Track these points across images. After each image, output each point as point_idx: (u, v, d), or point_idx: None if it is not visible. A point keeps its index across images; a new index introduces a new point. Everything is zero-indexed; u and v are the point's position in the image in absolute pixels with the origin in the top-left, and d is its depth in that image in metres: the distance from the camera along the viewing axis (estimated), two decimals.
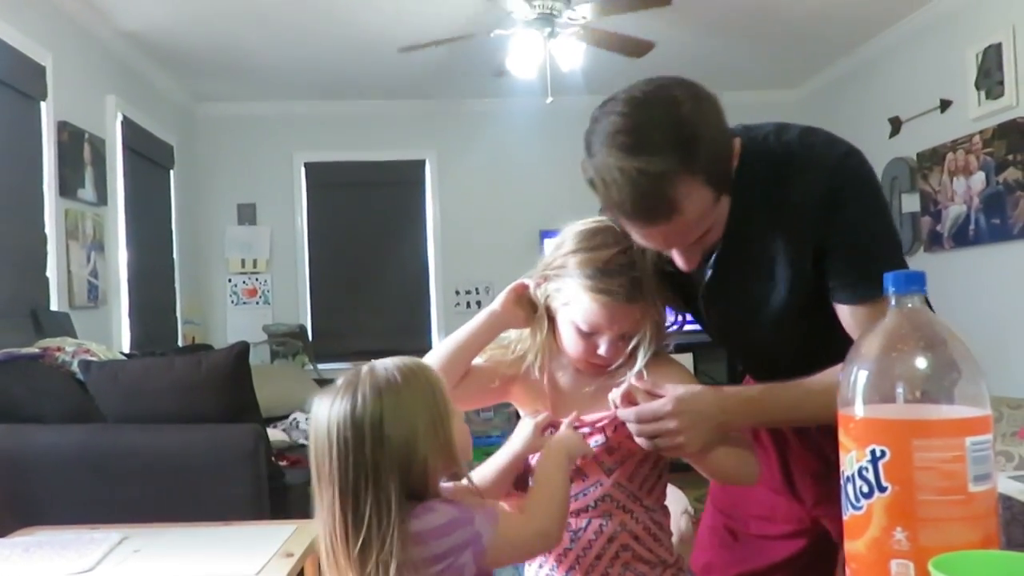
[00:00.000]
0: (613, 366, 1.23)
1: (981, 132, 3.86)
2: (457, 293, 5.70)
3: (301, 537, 1.91)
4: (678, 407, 1.10)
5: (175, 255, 5.08)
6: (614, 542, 1.19)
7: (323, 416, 1.01)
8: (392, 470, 0.97)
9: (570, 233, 1.25)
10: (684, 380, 1.24)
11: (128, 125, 4.36)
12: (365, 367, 1.05)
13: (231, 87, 5.30)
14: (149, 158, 4.70)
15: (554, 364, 1.28)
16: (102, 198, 3.96)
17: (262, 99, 5.54)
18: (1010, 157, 3.67)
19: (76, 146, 3.70)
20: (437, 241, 5.75)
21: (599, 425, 1.20)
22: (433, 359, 1.23)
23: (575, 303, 1.19)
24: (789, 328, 1.25)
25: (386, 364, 1.05)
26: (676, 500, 3.12)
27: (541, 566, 1.23)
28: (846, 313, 1.17)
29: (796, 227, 1.17)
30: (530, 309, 1.27)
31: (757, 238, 1.20)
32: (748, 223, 1.18)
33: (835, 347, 1.16)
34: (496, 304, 1.28)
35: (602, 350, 1.20)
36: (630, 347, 1.22)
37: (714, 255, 1.22)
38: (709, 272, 1.24)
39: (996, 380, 3.56)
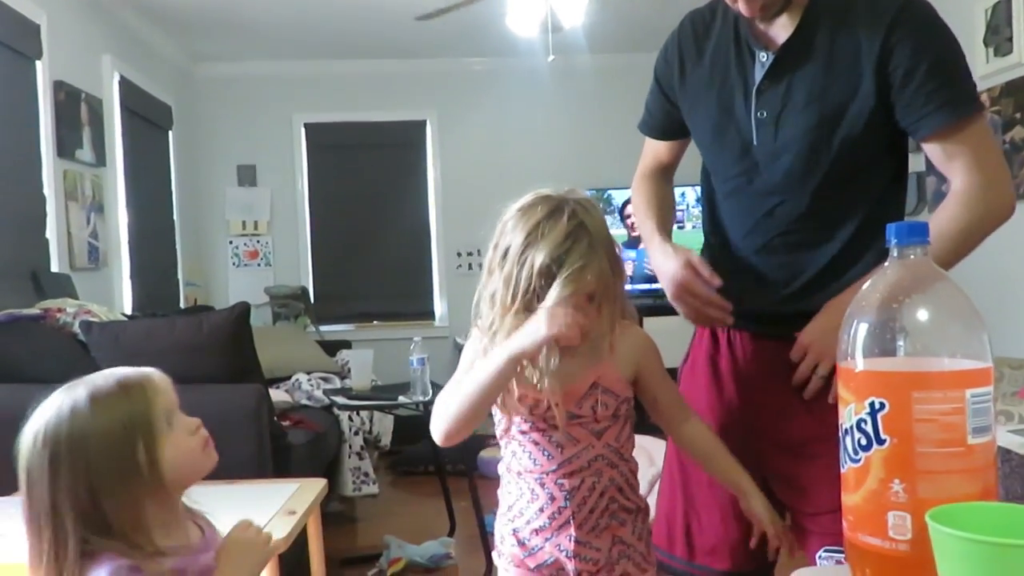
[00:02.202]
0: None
1: (989, 90, 3.80)
2: (459, 255, 5.68)
3: (304, 495, 1.93)
4: (807, 341, 1.21)
5: (175, 217, 5.06)
6: (604, 496, 1.24)
7: (27, 432, 0.95)
8: (69, 505, 0.89)
9: (509, 223, 1.21)
10: (643, 340, 1.30)
11: (125, 85, 4.32)
12: (74, 384, 0.98)
13: (229, 47, 5.23)
14: (147, 119, 4.66)
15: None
16: (100, 159, 3.93)
17: (261, 59, 5.47)
18: (1017, 115, 3.63)
19: (73, 106, 3.67)
20: (438, 202, 5.72)
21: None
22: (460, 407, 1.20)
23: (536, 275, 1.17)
24: (859, 150, 1.25)
25: (90, 381, 0.98)
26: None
27: (530, 522, 1.24)
28: (939, 147, 1.22)
29: (868, 35, 1.21)
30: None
31: (829, 34, 1.24)
32: (816, 22, 1.24)
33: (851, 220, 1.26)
34: (507, 355, 1.16)
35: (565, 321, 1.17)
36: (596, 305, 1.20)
37: (782, 43, 1.26)
38: (768, 62, 1.28)
39: (998, 340, 3.55)
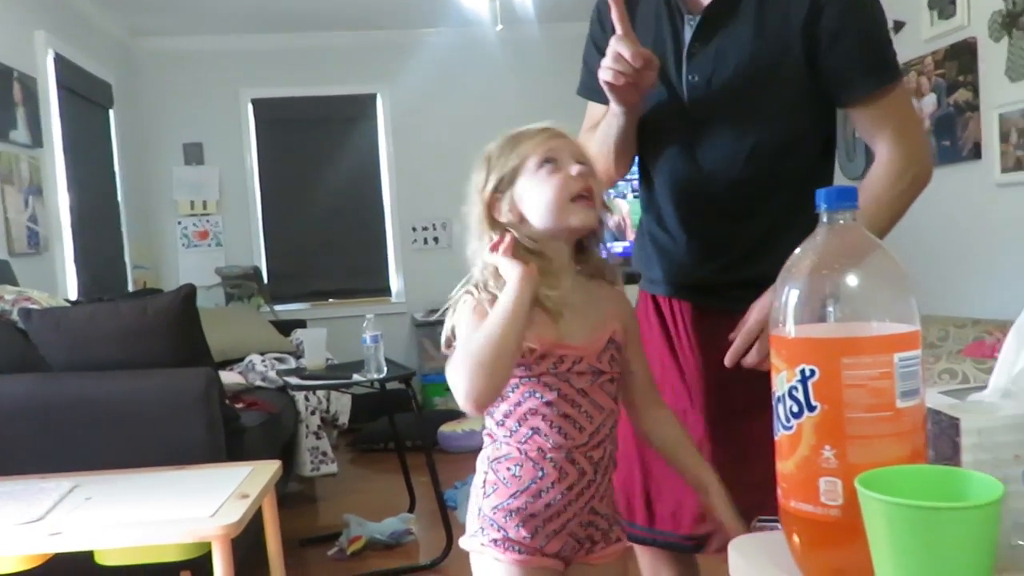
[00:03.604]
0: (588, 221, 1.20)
1: (933, 53, 3.85)
2: (414, 230, 5.64)
3: (257, 478, 1.90)
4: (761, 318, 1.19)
5: (120, 198, 4.92)
6: (612, 458, 1.25)
7: None
8: None
9: (493, 147, 1.25)
10: (628, 303, 1.29)
11: (61, 62, 4.17)
12: None
13: (171, 21, 5.08)
14: (86, 97, 4.51)
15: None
16: (37, 140, 3.80)
17: (204, 33, 5.32)
18: (960, 78, 3.68)
19: (5, 85, 3.53)
20: (392, 177, 5.65)
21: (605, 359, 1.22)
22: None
23: (530, 160, 1.19)
24: (790, 115, 1.27)
25: None
26: None
27: (551, 504, 1.19)
28: (866, 113, 1.25)
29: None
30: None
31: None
32: None
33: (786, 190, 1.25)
34: (513, 282, 1.13)
35: (574, 170, 1.18)
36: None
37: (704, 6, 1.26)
38: (694, 23, 1.27)
39: (943, 300, 3.64)
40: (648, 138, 1.40)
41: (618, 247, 5.62)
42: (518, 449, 1.19)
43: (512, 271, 1.14)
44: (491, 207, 1.22)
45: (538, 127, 1.23)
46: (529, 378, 1.17)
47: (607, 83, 1.24)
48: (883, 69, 1.26)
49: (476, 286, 1.20)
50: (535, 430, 1.18)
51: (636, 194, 5.69)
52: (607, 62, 1.22)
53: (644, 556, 1.54)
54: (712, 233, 1.34)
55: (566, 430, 1.18)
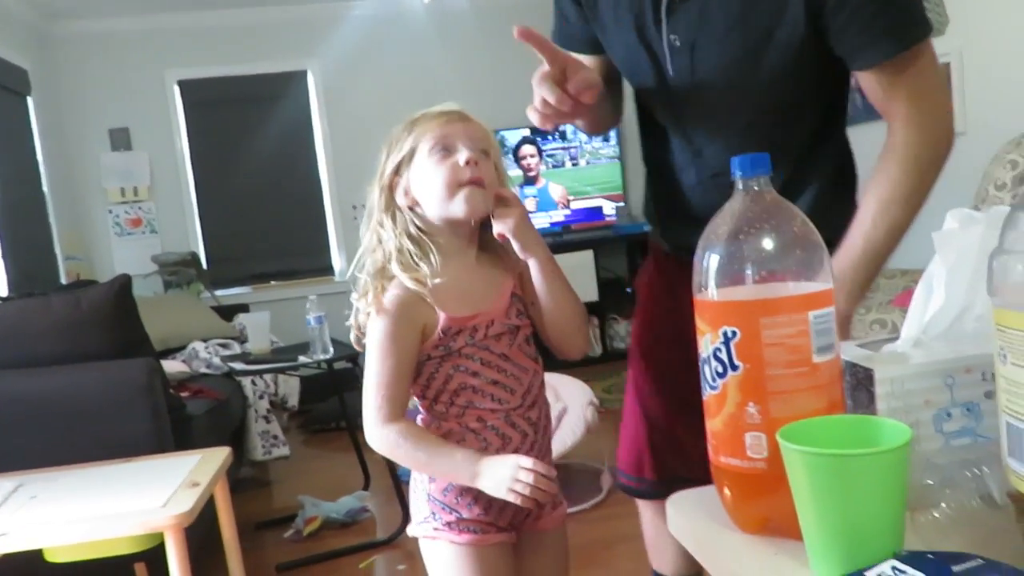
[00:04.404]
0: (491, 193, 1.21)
1: None
2: (353, 207, 5.58)
3: (206, 466, 1.89)
4: None
5: (45, 188, 4.76)
6: (548, 417, 1.28)
7: None
8: None
9: (396, 130, 1.25)
10: (509, 251, 1.27)
11: None
12: None
13: (87, 2, 4.89)
14: (0, 85, 4.34)
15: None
16: None
17: (124, 14, 5.14)
18: None
19: None
20: (328, 155, 5.57)
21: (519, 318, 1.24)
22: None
23: (421, 139, 1.19)
24: (789, 84, 1.11)
25: None
26: (581, 392, 3.24)
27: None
28: (876, 80, 1.06)
29: None
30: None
31: None
32: None
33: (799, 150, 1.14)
34: (466, 473, 1.17)
35: (463, 158, 1.17)
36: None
37: None
38: None
39: None
40: (638, 99, 1.31)
41: (559, 215, 5.67)
42: (457, 424, 1.21)
43: (494, 475, 1.14)
44: (391, 189, 1.23)
45: (438, 110, 1.22)
46: (449, 355, 1.20)
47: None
48: (901, 31, 1.05)
49: (378, 276, 1.21)
50: (469, 403, 1.20)
51: (588, 161, 5.72)
52: (535, 104, 1.11)
53: (647, 511, 1.52)
54: (712, 203, 1.27)
55: (499, 396, 1.20)
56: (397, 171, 1.22)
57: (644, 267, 1.52)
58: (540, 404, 1.26)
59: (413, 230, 1.21)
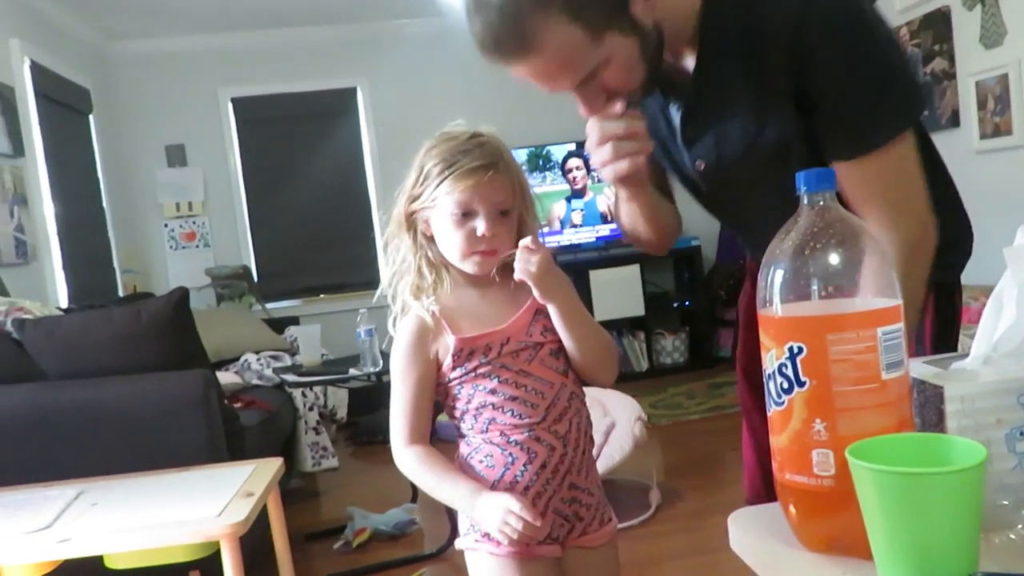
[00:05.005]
0: (504, 255, 1.24)
1: (908, 23, 3.88)
2: None
3: (261, 475, 1.92)
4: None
5: (105, 203, 4.91)
6: (586, 435, 1.29)
7: None
8: None
9: (428, 160, 1.26)
10: None
11: (38, 70, 4.14)
12: None
13: (145, 23, 5.05)
14: (65, 104, 4.49)
15: (450, 298, 1.27)
16: (18, 149, 3.79)
17: (179, 34, 5.29)
18: (936, 47, 3.71)
19: None
20: (376, 170, 5.65)
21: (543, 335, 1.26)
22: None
23: (443, 195, 1.21)
24: (779, 171, 1.08)
25: None
26: (629, 408, 3.21)
27: (529, 487, 1.23)
28: (846, 178, 1.04)
29: (771, 63, 1.07)
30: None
31: (730, 71, 1.11)
32: (721, 58, 1.12)
33: None
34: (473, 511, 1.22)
35: (481, 229, 1.20)
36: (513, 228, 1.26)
37: (687, 96, 1.18)
38: (681, 111, 1.21)
39: None
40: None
41: (605, 230, 5.65)
42: (484, 440, 1.24)
43: (485, 513, 1.19)
44: (412, 212, 1.27)
45: (468, 166, 1.20)
46: (467, 376, 1.23)
47: (623, 178, 1.18)
48: (863, 133, 1.07)
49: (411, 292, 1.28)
50: (491, 419, 1.23)
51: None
52: (605, 150, 1.15)
53: None
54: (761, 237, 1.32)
55: (519, 411, 1.22)
56: (421, 203, 1.26)
57: (744, 288, 1.52)
58: (570, 417, 1.25)
59: (431, 254, 1.28)
